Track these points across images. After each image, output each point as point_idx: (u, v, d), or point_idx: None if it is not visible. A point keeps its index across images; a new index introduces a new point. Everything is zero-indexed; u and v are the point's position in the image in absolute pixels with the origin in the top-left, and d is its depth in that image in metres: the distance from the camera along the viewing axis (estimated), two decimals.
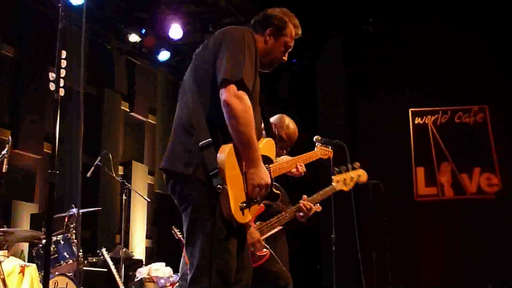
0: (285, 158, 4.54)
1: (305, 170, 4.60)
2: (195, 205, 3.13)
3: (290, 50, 3.68)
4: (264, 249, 4.60)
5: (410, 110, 11.11)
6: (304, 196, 4.90)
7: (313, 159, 4.67)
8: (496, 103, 10.69)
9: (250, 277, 3.45)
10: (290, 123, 4.78)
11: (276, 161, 4.09)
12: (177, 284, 4.26)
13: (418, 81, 10.94)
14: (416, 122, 11.05)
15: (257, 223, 4.74)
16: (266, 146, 3.45)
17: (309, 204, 4.81)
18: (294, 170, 4.51)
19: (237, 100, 3.07)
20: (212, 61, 3.24)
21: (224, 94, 3.08)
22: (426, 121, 11.01)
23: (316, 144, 4.81)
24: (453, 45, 10.64)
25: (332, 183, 4.86)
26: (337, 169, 4.89)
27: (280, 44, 3.59)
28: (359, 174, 4.95)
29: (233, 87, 3.09)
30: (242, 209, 3.13)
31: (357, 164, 4.96)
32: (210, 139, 3.09)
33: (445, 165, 10.78)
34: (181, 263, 4.30)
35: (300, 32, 3.68)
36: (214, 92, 3.17)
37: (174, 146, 3.26)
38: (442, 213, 10.52)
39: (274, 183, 5.95)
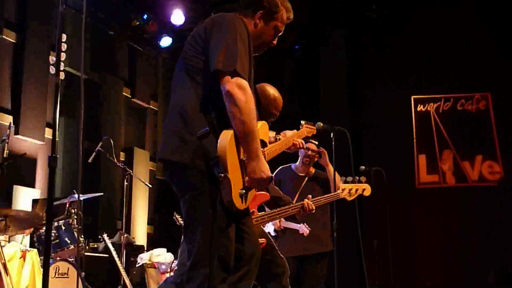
0: (287, 133, 4.64)
1: (304, 144, 4.79)
2: (194, 192, 3.12)
3: (280, 34, 3.59)
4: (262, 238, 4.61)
5: (412, 97, 11.07)
6: (309, 196, 5.02)
7: (302, 137, 4.86)
8: (499, 90, 10.64)
9: (257, 255, 3.42)
10: (275, 93, 4.73)
11: (278, 138, 4.20)
12: (176, 268, 4.26)
13: (421, 68, 10.91)
14: (418, 109, 11.02)
15: (261, 212, 4.77)
16: (260, 129, 3.41)
17: (312, 205, 4.90)
18: (292, 147, 4.66)
19: (240, 91, 3.04)
20: (203, 49, 3.20)
21: (225, 86, 3.04)
22: (428, 109, 10.98)
23: (302, 123, 4.95)
24: (456, 32, 10.59)
25: (338, 191, 5.14)
26: (345, 178, 5.18)
27: (270, 28, 3.50)
28: (364, 188, 5.19)
29: (232, 77, 3.05)
30: (241, 195, 3.13)
31: (363, 178, 5.21)
32: (207, 128, 3.07)
33: (447, 152, 10.76)
34: (180, 248, 4.30)
35: (292, 16, 3.58)
36: (206, 80, 3.15)
37: (170, 135, 3.23)
38: (443, 200, 10.50)
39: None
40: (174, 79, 3.37)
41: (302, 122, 5.01)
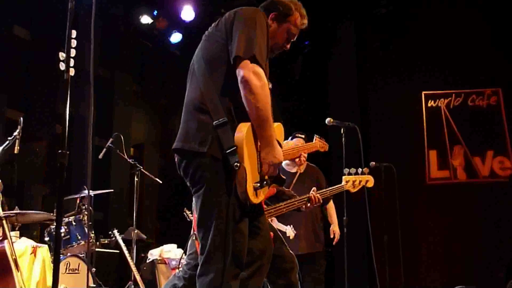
0: (288, 145, 4.68)
1: (305, 160, 4.86)
2: (209, 186, 3.12)
3: (293, 39, 3.66)
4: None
5: (423, 93, 11.03)
6: (314, 188, 5.06)
7: (312, 150, 4.94)
8: (510, 86, 10.59)
9: (269, 251, 3.43)
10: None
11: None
12: (184, 262, 4.26)
13: (431, 64, 10.86)
14: (429, 105, 10.98)
15: (268, 206, 4.78)
16: (276, 130, 3.43)
17: (318, 197, 4.93)
18: (297, 160, 4.73)
19: (255, 77, 3.06)
20: (224, 41, 3.23)
21: (242, 71, 3.08)
22: (439, 104, 10.94)
23: (315, 137, 5.01)
24: (467, 28, 10.55)
25: (342, 183, 5.14)
26: (348, 170, 5.17)
27: (283, 31, 3.57)
28: (367, 179, 5.20)
29: (249, 64, 3.09)
30: (255, 189, 3.13)
31: (366, 170, 5.22)
32: (225, 118, 3.08)
33: (458, 148, 10.72)
34: (189, 242, 4.31)
35: (306, 22, 3.65)
36: (226, 71, 3.17)
37: (187, 126, 3.24)
38: (454, 196, 10.46)
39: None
40: (192, 71, 3.39)
41: (316, 136, 5.07)
